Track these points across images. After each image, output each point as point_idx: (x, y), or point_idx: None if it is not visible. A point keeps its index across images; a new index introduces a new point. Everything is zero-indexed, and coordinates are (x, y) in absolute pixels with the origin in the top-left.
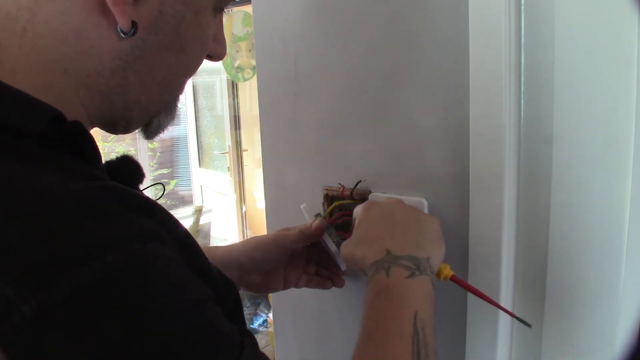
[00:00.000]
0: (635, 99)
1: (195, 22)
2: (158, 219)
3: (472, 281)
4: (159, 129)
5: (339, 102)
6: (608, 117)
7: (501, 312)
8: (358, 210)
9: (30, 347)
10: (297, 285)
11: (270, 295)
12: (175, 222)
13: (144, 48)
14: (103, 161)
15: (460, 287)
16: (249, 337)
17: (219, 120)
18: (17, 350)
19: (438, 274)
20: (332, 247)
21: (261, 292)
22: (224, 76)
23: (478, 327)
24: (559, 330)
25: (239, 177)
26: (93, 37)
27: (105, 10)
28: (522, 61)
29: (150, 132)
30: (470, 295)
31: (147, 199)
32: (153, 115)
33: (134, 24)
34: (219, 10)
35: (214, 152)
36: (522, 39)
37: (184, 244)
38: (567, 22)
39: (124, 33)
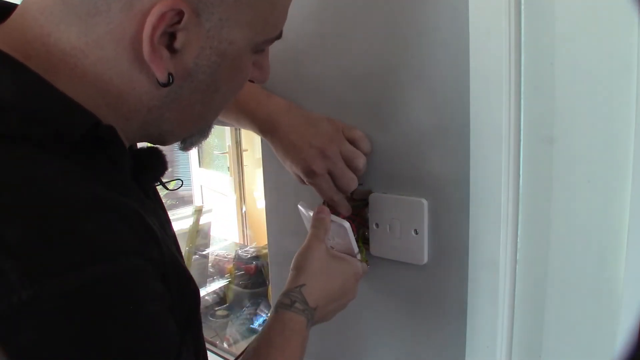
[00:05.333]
0: (635, 99)
1: (231, 67)
2: (150, 238)
3: (472, 281)
4: (192, 145)
5: (339, 102)
6: (608, 117)
7: (500, 311)
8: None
9: (16, 327)
10: None
11: (270, 296)
12: (165, 244)
13: (179, 92)
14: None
15: None
16: (187, 347)
17: None
18: (5, 328)
19: None
20: (354, 245)
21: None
22: None
23: (478, 326)
24: (559, 330)
25: (239, 177)
26: (134, 82)
27: (145, 63)
28: (522, 61)
29: (184, 147)
30: (470, 295)
31: (144, 220)
32: (187, 137)
33: (170, 76)
34: (259, 50)
35: (214, 152)
36: (522, 39)
37: (168, 263)
38: (567, 22)
39: (162, 83)
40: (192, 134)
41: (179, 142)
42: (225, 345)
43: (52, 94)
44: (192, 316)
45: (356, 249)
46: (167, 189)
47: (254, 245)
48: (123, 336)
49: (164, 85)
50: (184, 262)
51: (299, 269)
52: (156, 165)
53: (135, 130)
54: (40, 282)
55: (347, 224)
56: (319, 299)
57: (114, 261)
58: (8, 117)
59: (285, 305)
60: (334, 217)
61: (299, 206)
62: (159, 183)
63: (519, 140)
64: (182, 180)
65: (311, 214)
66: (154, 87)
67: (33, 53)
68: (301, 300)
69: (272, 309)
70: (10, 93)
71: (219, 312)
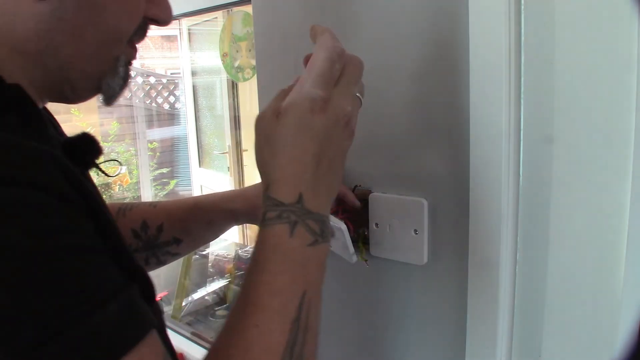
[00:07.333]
0: (635, 99)
1: None
2: (55, 170)
3: (472, 281)
4: (110, 91)
5: None
6: (608, 117)
7: (501, 311)
8: (307, 97)
9: None
10: None
11: None
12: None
13: (63, 9)
14: (67, 136)
15: None
16: (128, 289)
17: (219, 120)
18: None
19: None
20: (350, 247)
21: None
22: (224, 76)
23: (478, 326)
24: (559, 330)
25: (239, 177)
26: (14, 4)
27: None
28: (522, 61)
29: (106, 97)
30: (470, 294)
31: (54, 156)
32: (97, 78)
33: None
34: None
35: (214, 152)
36: (522, 39)
37: (65, 197)
38: (567, 22)
39: None
40: (101, 72)
41: (101, 98)
42: None
43: None
44: (137, 273)
45: (352, 250)
46: (106, 174)
47: (254, 245)
48: (32, 261)
49: None
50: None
51: (259, 165)
52: (88, 148)
53: (32, 67)
54: None
55: (344, 226)
56: (296, 183)
57: (9, 187)
58: None
59: (261, 224)
60: (331, 218)
61: None
62: (94, 167)
63: (519, 140)
64: (119, 162)
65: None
66: (35, 6)
67: None
68: (271, 204)
69: None
70: None
71: (219, 312)
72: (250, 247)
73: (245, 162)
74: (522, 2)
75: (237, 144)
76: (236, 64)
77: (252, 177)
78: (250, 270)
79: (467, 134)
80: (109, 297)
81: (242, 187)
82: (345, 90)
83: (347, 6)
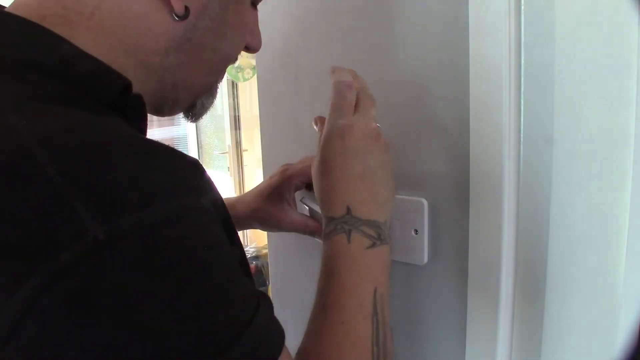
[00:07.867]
0: (635, 99)
1: (237, 11)
2: (205, 181)
3: (472, 282)
4: (202, 110)
5: None
6: (608, 117)
7: (501, 311)
8: (333, 129)
9: (95, 270)
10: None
11: (271, 295)
12: (215, 186)
13: (194, 31)
14: None
15: None
16: (265, 298)
17: (219, 120)
18: (82, 272)
19: None
20: None
21: (272, 223)
22: (224, 76)
23: (478, 326)
24: (559, 330)
25: (239, 177)
26: (151, 21)
27: None
28: (522, 61)
29: (194, 114)
30: (470, 294)
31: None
32: (196, 97)
33: (186, 9)
34: (254, 4)
35: (214, 152)
36: (522, 39)
37: (219, 207)
38: (567, 22)
39: (178, 17)
40: (202, 92)
41: (185, 114)
42: None
43: (66, 50)
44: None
45: None
46: None
47: (254, 245)
48: (212, 271)
49: (180, 17)
50: None
51: (316, 194)
52: None
53: (151, 81)
54: (117, 220)
55: None
56: (342, 198)
57: (190, 197)
58: (31, 78)
59: (323, 239)
60: None
61: (301, 201)
62: None
63: (519, 140)
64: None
65: (315, 206)
66: (171, 24)
67: (47, 12)
68: (327, 221)
69: None
70: (25, 56)
71: None
72: (250, 247)
73: (245, 162)
74: (522, 2)
75: (237, 144)
76: (236, 64)
77: (252, 177)
78: (322, 279)
79: (467, 134)
80: (258, 304)
81: (242, 186)
82: (365, 114)
83: (346, 7)
